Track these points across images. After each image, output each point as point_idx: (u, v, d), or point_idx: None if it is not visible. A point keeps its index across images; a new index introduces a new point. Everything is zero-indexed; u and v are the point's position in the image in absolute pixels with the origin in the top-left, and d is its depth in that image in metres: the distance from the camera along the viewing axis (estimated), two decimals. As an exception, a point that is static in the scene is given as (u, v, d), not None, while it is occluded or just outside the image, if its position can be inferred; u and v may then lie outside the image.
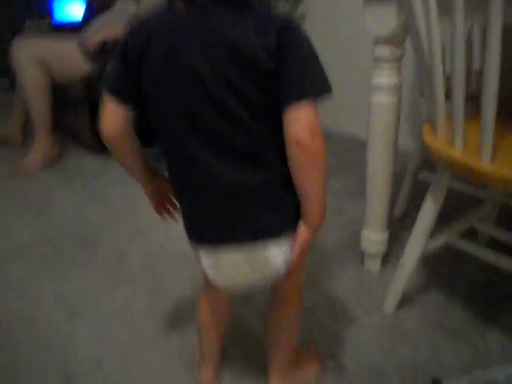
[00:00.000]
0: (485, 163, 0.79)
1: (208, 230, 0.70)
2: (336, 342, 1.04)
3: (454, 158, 0.85)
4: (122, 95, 0.68)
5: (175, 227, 0.89)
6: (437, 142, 0.90)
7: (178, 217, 0.81)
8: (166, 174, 0.75)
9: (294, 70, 0.60)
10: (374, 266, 1.28)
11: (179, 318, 1.15)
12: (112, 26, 2.18)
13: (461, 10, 0.71)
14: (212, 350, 0.93)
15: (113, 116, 0.69)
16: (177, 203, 0.81)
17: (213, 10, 0.60)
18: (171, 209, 0.88)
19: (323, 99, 0.61)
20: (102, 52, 2.13)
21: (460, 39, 0.74)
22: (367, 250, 1.27)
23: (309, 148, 0.60)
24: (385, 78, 1.07)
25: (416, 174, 1.52)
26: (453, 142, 0.85)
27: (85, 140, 2.36)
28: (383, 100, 1.08)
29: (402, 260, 1.07)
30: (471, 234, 1.23)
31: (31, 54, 2.08)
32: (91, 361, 1.03)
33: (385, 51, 1.04)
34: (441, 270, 1.29)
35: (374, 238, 1.24)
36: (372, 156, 1.16)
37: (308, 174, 0.63)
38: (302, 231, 0.67)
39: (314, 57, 0.62)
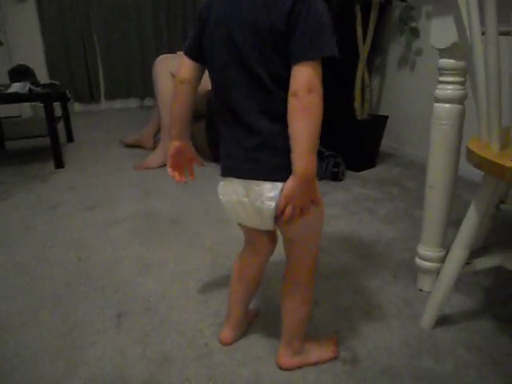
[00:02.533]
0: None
1: (226, 164, 0.84)
2: (359, 340, 1.05)
3: (504, 164, 0.80)
4: (193, 55, 0.86)
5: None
6: (483, 149, 0.88)
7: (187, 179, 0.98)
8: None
9: (301, 34, 0.69)
10: (425, 283, 1.25)
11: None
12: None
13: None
14: (235, 310, 1.03)
15: (187, 68, 0.87)
16: (192, 171, 1.01)
17: None
18: (183, 174, 1.00)
19: (327, 60, 0.70)
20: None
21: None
22: (420, 266, 1.25)
23: (303, 100, 0.70)
24: (447, 89, 1.09)
25: (498, 204, 1.43)
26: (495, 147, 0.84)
27: (200, 148, 2.67)
28: (445, 109, 1.10)
29: (440, 273, 1.04)
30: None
31: (167, 68, 2.47)
32: (143, 305, 1.21)
33: (447, 63, 1.06)
34: (495, 294, 1.21)
35: (427, 254, 1.22)
36: (431, 162, 1.16)
37: (298, 124, 0.71)
38: (289, 180, 0.76)
39: (322, 22, 0.70)
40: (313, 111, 0.71)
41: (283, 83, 0.73)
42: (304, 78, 0.70)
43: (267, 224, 0.84)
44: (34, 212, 1.93)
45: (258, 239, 0.96)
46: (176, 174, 0.99)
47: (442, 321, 1.10)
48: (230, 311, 1.04)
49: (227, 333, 1.04)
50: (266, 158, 0.78)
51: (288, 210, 0.77)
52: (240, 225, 0.94)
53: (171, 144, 0.96)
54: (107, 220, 1.82)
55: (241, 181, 0.81)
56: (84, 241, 1.63)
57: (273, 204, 0.79)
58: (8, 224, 1.81)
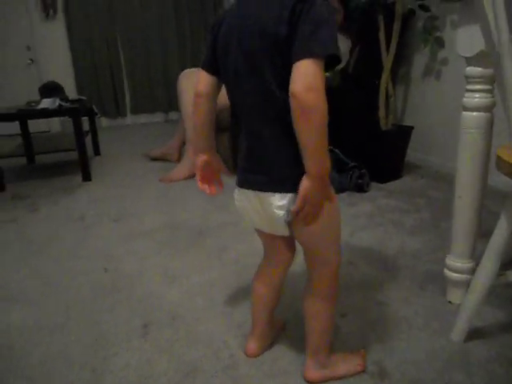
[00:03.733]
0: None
1: (241, 175, 0.87)
2: (387, 353, 1.03)
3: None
4: (209, 69, 0.88)
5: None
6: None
7: (218, 191, 0.99)
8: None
9: (301, 34, 0.69)
10: (455, 296, 1.21)
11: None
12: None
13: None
14: (258, 321, 1.02)
15: (204, 82, 0.89)
16: (221, 182, 1.00)
17: None
18: (213, 185, 1.00)
19: (328, 59, 0.69)
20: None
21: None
22: (449, 278, 1.22)
23: (302, 101, 0.68)
24: (475, 97, 1.07)
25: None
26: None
27: (224, 160, 2.70)
28: (473, 117, 1.08)
29: (471, 285, 1.02)
30: None
31: (192, 82, 2.50)
32: (168, 315, 1.21)
33: (474, 71, 1.05)
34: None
35: (456, 265, 1.19)
36: (460, 171, 1.14)
37: (303, 127, 0.70)
38: (303, 181, 0.75)
39: (321, 21, 0.69)
40: (313, 111, 0.69)
41: (283, 94, 0.73)
42: (301, 77, 0.68)
43: (281, 229, 0.85)
44: (62, 224, 1.98)
45: (276, 247, 0.96)
46: (206, 186, 0.99)
47: (473, 334, 1.06)
48: (254, 322, 1.04)
49: (252, 344, 1.04)
50: (275, 170, 0.80)
51: (306, 209, 0.77)
52: (257, 231, 0.94)
53: (198, 157, 0.96)
54: (133, 231, 1.84)
55: (253, 191, 0.84)
56: (110, 252, 1.65)
57: (282, 212, 0.80)
58: (36, 235, 1.86)
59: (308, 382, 0.95)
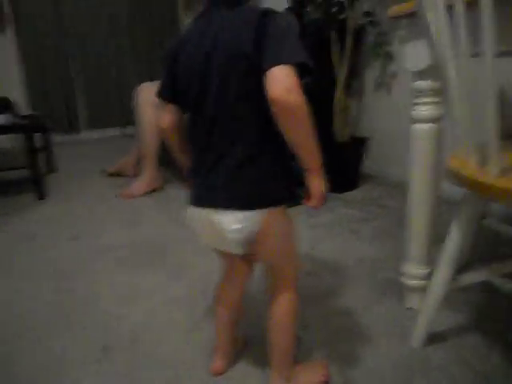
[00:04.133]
0: None
1: (194, 193, 0.84)
2: (350, 363, 1.04)
3: (487, 181, 0.81)
4: (169, 97, 0.86)
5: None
6: (463, 167, 0.89)
7: None
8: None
9: (270, 44, 0.70)
10: (413, 302, 1.25)
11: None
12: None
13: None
14: (221, 337, 1.01)
15: (166, 115, 0.87)
16: None
17: (214, 14, 0.77)
18: None
19: (300, 67, 0.69)
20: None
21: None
22: (406, 285, 1.25)
23: (286, 103, 0.67)
24: (423, 110, 1.11)
25: (480, 220, 1.46)
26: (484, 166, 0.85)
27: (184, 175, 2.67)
28: (421, 130, 1.12)
29: (427, 291, 1.05)
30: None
31: (149, 97, 2.48)
32: (128, 337, 1.17)
33: (422, 85, 1.09)
34: (484, 310, 1.21)
35: (412, 272, 1.23)
36: (413, 181, 1.18)
37: (291, 127, 0.71)
38: (312, 180, 0.78)
39: (289, 33, 0.71)
40: (297, 109, 0.69)
41: (255, 111, 0.75)
42: (276, 81, 0.67)
43: (235, 249, 0.84)
44: (13, 245, 1.89)
45: (234, 262, 0.95)
46: None
47: (433, 338, 1.09)
48: (218, 338, 1.02)
49: (218, 362, 1.02)
50: (230, 190, 0.78)
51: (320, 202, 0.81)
52: (214, 249, 0.93)
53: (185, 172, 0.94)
54: (91, 250, 1.78)
55: (205, 210, 0.81)
56: (66, 272, 1.59)
57: (235, 234, 0.79)
58: (-13, 259, 1.77)
59: None
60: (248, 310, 1.06)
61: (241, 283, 0.99)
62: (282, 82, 0.67)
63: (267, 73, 0.68)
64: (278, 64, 0.68)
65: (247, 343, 1.12)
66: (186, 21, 3.36)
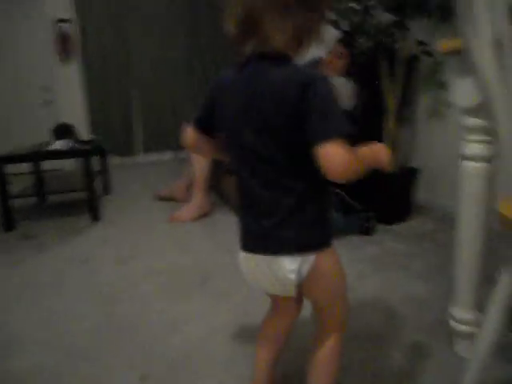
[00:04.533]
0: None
1: (246, 240, 0.86)
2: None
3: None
4: (200, 129, 0.90)
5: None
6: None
7: None
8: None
9: (314, 114, 0.71)
10: (462, 348, 1.18)
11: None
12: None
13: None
14: (260, 372, 1.00)
15: (191, 137, 0.92)
16: None
17: (258, 66, 0.77)
18: None
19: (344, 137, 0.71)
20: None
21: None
22: (455, 329, 1.18)
23: (346, 178, 0.72)
24: (474, 147, 1.07)
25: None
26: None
27: (232, 201, 2.71)
28: (471, 169, 1.08)
29: (475, 344, 0.98)
30: None
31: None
32: (167, 367, 1.19)
33: (471, 122, 1.05)
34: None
35: (461, 316, 1.16)
36: (461, 221, 1.13)
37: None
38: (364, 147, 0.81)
39: (330, 102, 0.72)
40: (353, 175, 0.73)
41: (294, 162, 0.77)
42: (335, 162, 0.70)
43: (290, 292, 0.84)
44: (67, 266, 1.98)
45: (284, 302, 0.96)
46: None
47: (481, 393, 1.02)
48: (256, 373, 1.01)
49: None
50: (284, 235, 0.79)
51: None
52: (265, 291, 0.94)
53: None
54: (137, 274, 1.84)
55: (259, 256, 0.83)
56: (113, 296, 1.65)
57: (293, 276, 0.80)
58: (41, 277, 1.86)
59: None
60: (289, 347, 1.04)
61: (288, 321, 0.99)
62: (338, 164, 0.70)
63: (319, 148, 0.70)
64: (328, 138, 0.70)
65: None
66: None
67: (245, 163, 0.81)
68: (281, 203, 0.78)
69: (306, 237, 0.80)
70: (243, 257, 0.87)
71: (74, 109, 5.12)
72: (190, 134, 0.92)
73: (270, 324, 1.00)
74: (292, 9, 0.72)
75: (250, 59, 0.79)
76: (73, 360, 1.24)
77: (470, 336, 1.16)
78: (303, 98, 0.71)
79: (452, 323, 1.19)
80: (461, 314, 1.17)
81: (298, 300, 0.95)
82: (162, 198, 3.12)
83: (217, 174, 2.76)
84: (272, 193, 0.79)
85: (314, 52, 3.29)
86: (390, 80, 2.34)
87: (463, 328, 1.16)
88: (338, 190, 2.23)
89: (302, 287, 0.83)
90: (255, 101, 0.76)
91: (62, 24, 4.98)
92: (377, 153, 0.83)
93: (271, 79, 0.75)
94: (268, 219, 0.80)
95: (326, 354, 0.90)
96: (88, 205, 2.71)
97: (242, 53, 0.80)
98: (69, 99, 5.15)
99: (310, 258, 0.80)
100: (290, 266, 0.79)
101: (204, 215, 2.67)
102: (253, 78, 0.77)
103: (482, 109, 1.02)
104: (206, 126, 0.89)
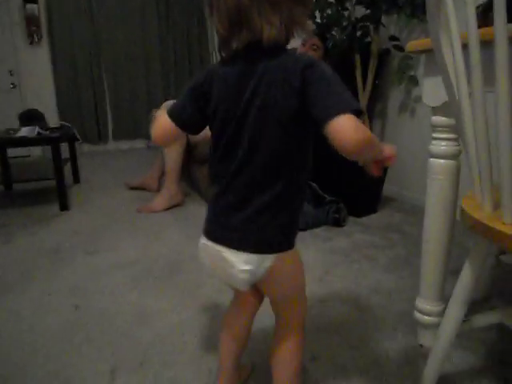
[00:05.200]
0: None
1: (212, 228, 0.85)
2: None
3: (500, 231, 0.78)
4: (178, 121, 0.86)
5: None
6: (476, 209, 0.88)
7: None
8: None
9: (322, 93, 0.69)
10: (426, 338, 1.22)
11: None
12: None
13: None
14: (226, 363, 1.01)
15: (164, 127, 0.87)
16: None
17: (252, 57, 0.76)
18: None
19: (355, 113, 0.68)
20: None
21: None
22: (419, 320, 1.22)
23: (362, 153, 0.70)
24: (441, 145, 1.10)
25: (498, 255, 1.42)
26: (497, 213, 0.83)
27: (203, 191, 2.70)
28: (438, 166, 1.11)
29: (439, 330, 1.02)
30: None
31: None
32: (137, 359, 1.19)
33: (439, 120, 1.08)
34: (497, 351, 1.17)
35: (425, 308, 1.20)
36: (427, 216, 1.16)
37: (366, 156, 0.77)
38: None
39: (335, 81, 0.71)
40: (371, 148, 0.72)
41: (288, 164, 0.76)
42: (350, 134, 0.67)
43: (243, 288, 0.84)
44: (35, 257, 1.94)
45: (243, 294, 0.96)
46: None
47: (444, 380, 1.07)
48: (221, 365, 1.02)
49: None
50: (250, 232, 0.79)
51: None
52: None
53: None
54: (108, 265, 1.82)
55: (217, 245, 0.82)
56: (83, 288, 1.62)
57: (247, 275, 0.79)
58: (8, 269, 1.82)
59: None
60: (256, 337, 1.06)
61: (249, 313, 0.99)
62: (352, 134, 0.67)
63: (331, 122, 0.67)
64: (340, 113, 0.67)
65: (254, 370, 1.12)
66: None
67: (230, 156, 0.79)
68: (255, 199, 0.77)
69: (271, 236, 0.79)
70: (203, 243, 0.86)
71: (42, 94, 4.97)
72: (163, 124, 0.87)
73: (231, 315, 1.01)
74: (279, 2, 0.73)
75: (239, 52, 0.77)
76: (41, 354, 1.23)
77: (433, 327, 1.20)
78: (309, 81, 0.71)
79: (417, 314, 1.23)
80: (425, 305, 1.21)
81: (257, 292, 0.95)
82: (133, 187, 3.09)
83: (188, 163, 2.74)
84: (250, 188, 0.78)
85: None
86: (362, 74, 2.37)
87: (426, 319, 1.21)
88: (309, 182, 2.26)
89: (261, 284, 0.84)
90: (257, 90, 0.75)
91: (29, 5, 4.79)
92: (387, 147, 0.79)
93: (271, 67, 0.74)
94: (239, 212, 0.79)
95: (288, 351, 0.91)
96: (57, 193, 2.65)
97: (228, 47, 0.79)
98: (37, 84, 4.99)
99: (271, 257, 0.79)
100: (242, 265, 0.78)
101: (176, 205, 2.65)
102: (249, 69, 0.76)
103: (448, 107, 1.05)
104: (184, 119, 0.86)
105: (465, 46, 0.78)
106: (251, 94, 0.75)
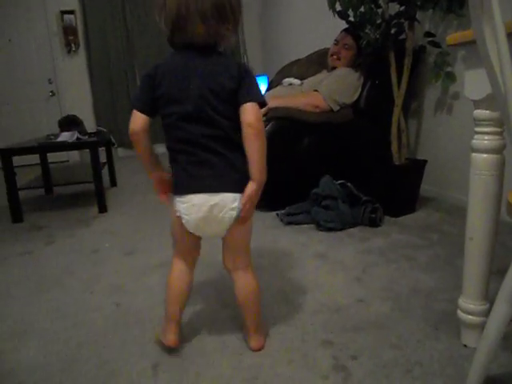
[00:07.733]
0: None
1: (191, 183, 1.07)
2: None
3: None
4: (144, 110, 1.08)
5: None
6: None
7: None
8: (169, 169, 1.13)
9: (245, 88, 1.04)
10: (470, 339, 1.18)
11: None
12: (278, 98, 2.55)
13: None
14: (176, 315, 1.20)
15: (138, 121, 1.08)
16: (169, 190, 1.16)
17: (192, 55, 1.05)
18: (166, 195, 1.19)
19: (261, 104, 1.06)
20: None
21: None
22: (463, 320, 1.19)
23: (256, 128, 1.03)
24: (484, 139, 1.07)
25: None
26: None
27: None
28: (481, 161, 1.08)
29: (484, 330, 0.99)
30: None
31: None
32: (179, 356, 1.20)
33: (481, 114, 1.05)
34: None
35: (469, 307, 1.17)
36: (471, 212, 1.13)
37: (254, 145, 1.04)
38: (250, 185, 1.06)
39: (253, 79, 1.07)
40: (262, 135, 1.05)
41: (233, 122, 1.05)
42: (254, 112, 1.04)
43: (223, 231, 1.12)
44: (76, 257, 2.00)
45: (193, 247, 1.23)
46: (165, 198, 1.19)
47: (490, 382, 1.03)
48: (172, 317, 1.20)
49: (172, 336, 1.19)
50: (230, 175, 1.06)
51: (249, 206, 1.07)
52: (185, 237, 1.17)
53: (151, 176, 1.17)
54: (145, 266, 1.86)
55: (205, 197, 1.04)
56: (122, 287, 1.66)
57: (234, 213, 1.07)
58: (51, 269, 1.89)
59: (259, 350, 1.19)
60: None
61: (194, 262, 1.25)
62: (254, 114, 1.04)
63: (244, 105, 1.03)
64: (253, 100, 1.04)
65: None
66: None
67: (197, 125, 1.04)
68: (221, 154, 1.05)
69: (241, 181, 1.05)
70: (184, 206, 1.08)
71: (79, 101, 5.14)
72: (137, 118, 1.07)
73: (180, 270, 1.23)
74: (207, 18, 1.00)
75: (182, 48, 1.06)
76: (85, 349, 1.26)
77: (477, 327, 1.16)
78: (239, 76, 1.04)
79: (460, 313, 1.20)
80: (469, 304, 1.17)
81: (199, 245, 1.23)
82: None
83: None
84: (215, 142, 1.04)
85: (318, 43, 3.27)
86: (397, 72, 2.33)
87: (471, 318, 1.17)
88: (344, 182, 2.24)
89: (232, 226, 1.10)
90: (209, 77, 1.04)
91: (66, 15, 4.97)
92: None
93: (212, 62, 1.06)
94: (209, 166, 1.05)
95: (250, 289, 1.18)
96: (95, 196, 2.73)
97: (173, 44, 1.07)
98: (75, 91, 5.17)
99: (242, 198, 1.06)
100: (232, 204, 1.05)
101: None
102: (193, 62, 1.05)
103: (492, 100, 1.02)
104: (149, 109, 1.07)
105: (510, 36, 0.76)
106: (198, 81, 1.04)
